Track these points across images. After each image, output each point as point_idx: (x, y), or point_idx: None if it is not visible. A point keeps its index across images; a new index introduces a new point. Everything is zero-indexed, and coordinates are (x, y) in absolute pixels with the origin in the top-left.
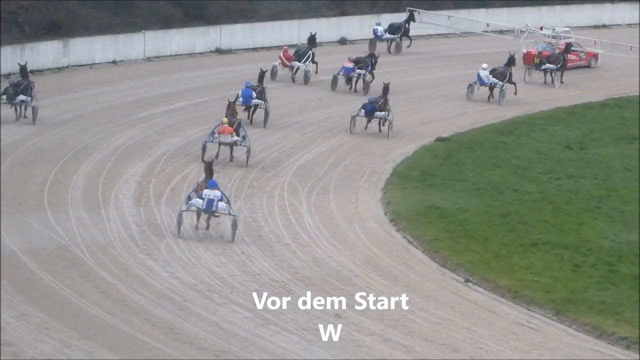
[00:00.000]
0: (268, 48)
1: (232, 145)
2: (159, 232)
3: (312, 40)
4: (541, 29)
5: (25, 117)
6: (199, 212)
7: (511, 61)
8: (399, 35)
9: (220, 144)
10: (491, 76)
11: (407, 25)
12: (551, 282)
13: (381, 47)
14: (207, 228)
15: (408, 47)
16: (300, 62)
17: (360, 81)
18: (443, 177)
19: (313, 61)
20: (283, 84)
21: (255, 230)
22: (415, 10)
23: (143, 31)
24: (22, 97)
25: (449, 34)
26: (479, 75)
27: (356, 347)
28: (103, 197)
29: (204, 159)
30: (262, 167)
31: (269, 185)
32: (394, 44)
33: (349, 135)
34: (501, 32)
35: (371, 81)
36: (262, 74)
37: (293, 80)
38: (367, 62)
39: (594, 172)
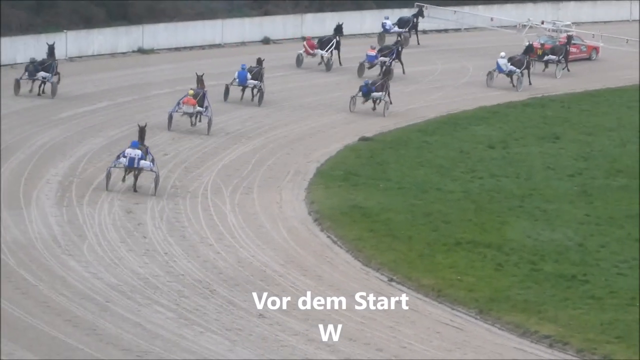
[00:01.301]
0: (191, 48)
1: (194, 114)
2: (81, 232)
3: (338, 30)
4: (542, 23)
5: (44, 92)
6: (125, 168)
7: (529, 50)
8: (407, 28)
9: (183, 112)
10: (509, 64)
11: (415, 19)
12: (474, 281)
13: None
14: (134, 188)
15: (418, 44)
16: (323, 50)
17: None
18: (367, 177)
19: (338, 49)
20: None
21: (179, 231)
22: (424, 6)
23: (65, 31)
24: (42, 73)
25: (455, 29)
26: (497, 64)
27: (280, 347)
28: (24, 197)
29: (169, 129)
30: (186, 167)
31: (193, 185)
32: (402, 37)
33: (274, 134)
34: (504, 27)
35: (400, 67)
36: (259, 61)
37: (319, 65)
38: (392, 50)
39: (516, 171)
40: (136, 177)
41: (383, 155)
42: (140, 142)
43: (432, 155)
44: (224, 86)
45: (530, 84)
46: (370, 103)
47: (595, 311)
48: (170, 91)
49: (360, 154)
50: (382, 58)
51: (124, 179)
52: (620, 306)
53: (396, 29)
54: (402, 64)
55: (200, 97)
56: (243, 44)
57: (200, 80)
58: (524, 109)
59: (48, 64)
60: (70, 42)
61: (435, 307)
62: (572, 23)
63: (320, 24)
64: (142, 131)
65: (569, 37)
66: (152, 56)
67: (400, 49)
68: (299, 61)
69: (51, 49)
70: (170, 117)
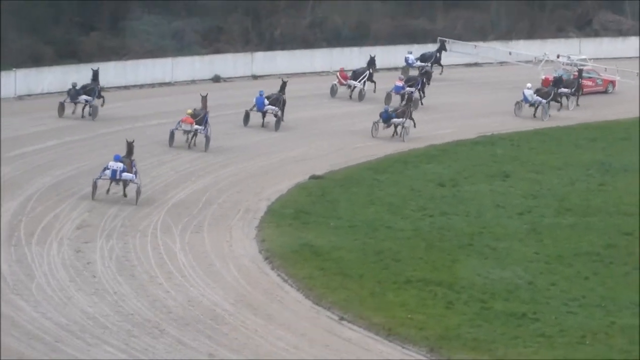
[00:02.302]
0: (141, 86)
1: (192, 132)
2: (30, 271)
3: (371, 62)
4: (558, 57)
5: (86, 115)
6: (110, 180)
7: (558, 82)
8: (429, 63)
9: (183, 131)
10: (535, 95)
11: (438, 54)
12: (425, 319)
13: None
14: (125, 195)
15: (440, 74)
16: (356, 80)
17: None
18: (317, 215)
19: (371, 81)
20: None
21: (128, 270)
22: (446, 40)
23: (14, 69)
24: (84, 97)
25: (474, 63)
26: (524, 95)
27: None
28: None
29: (170, 145)
30: (135, 208)
31: (142, 224)
32: (428, 69)
33: (225, 173)
34: (524, 62)
35: (422, 98)
36: (283, 84)
37: (350, 97)
38: (418, 81)
39: (466, 209)
40: (124, 187)
41: (334, 193)
42: (127, 156)
43: (383, 193)
44: (244, 112)
45: (558, 110)
46: (391, 129)
47: (545, 349)
48: (119, 129)
49: (311, 192)
50: (408, 88)
51: (107, 191)
52: (570, 344)
53: (418, 63)
54: (422, 95)
55: (200, 117)
56: (193, 82)
57: (204, 100)
58: (474, 147)
59: (90, 88)
60: (19, 80)
61: (385, 345)
62: (589, 58)
63: (270, 62)
64: (129, 146)
65: (580, 71)
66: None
67: (424, 80)
68: (333, 91)
69: (95, 74)
70: (172, 134)
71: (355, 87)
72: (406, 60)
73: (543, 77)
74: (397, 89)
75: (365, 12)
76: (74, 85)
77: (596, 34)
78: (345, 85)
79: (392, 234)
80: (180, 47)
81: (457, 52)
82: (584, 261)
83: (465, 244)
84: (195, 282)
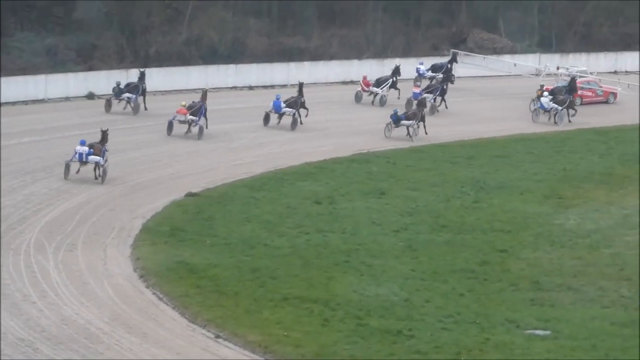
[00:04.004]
0: (13, 103)
1: (187, 122)
2: None
3: (396, 71)
4: (557, 68)
5: (128, 108)
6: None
7: (572, 89)
8: (440, 73)
9: (178, 121)
10: (551, 102)
11: (449, 65)
12: (301, 336)
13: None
14: (95, 177)
15: (452, 83)
16: (378, 87)
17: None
18: (193, 233)
19: (395, 88)
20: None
21: (1, 288)
22: (458, 52)
23: None
24: (127, 94)
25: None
26: (541, 102)
27: None
28: None
29: (168, 134)
30: (8, 225)
31: (15, 242)
32: (434, 80)
33: (98, 190)
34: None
35: (445, 104)
36: (301, 85)
37: (372, 103)
38: (437, 88)
39: (342, 226)
40: (94, 169)
41: (210, 210)
42: (100, 143)
43: (259, 210)
44: (264, 113)
45: (569, 121)
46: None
47: None
48: None
49: (187, 209)
50: (426, 94)
51: (77, 171)
52: None
53: (430, 73)
54: (444, 100)
55: (196, 109)
56: (67, 99)
57: (204, 94)
58: (350, 164)
59: (133, 87)
60: None
61: None
62: (591, 72)
63: (146, 78)
64: (104, 134)
65: (572, 80)
66: None
67: (445, 87)
68: (357, 97)
69: (142, 74)
70: (170, 124)
71: (377, 93)
72: (417, 70)
73: (545, 87)
74: (415, 96)
75: (241, 29)
76: (118, 84)
77: (471, 52)
78: (367, 92)
79: (268, 251)
80: (54, 64)
81: (466, 64)
82: (459, 278)
83: (341, 261)
84: (69, 301)
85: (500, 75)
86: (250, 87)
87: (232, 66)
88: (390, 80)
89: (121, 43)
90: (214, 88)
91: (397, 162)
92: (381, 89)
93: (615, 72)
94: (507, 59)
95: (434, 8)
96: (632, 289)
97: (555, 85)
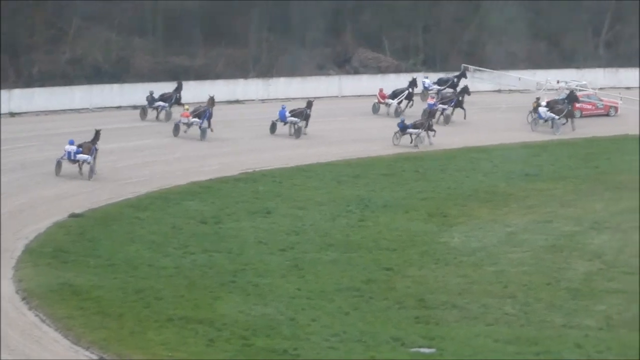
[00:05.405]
0: None
1: (190, 124)
2: None
3: (412, 83)
4: (557, 82)
5: (159, 119)
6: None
7: (572, 99)
8: (446, 86)
9: (183, 124)
10: (548, 112)
11: (456, 79)
12: (186, 357)
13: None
14: (80, 172)
15: (469, 94)
16: (393, 99)
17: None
18: (77, 254)
19: (409, 99)
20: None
21: None
22: (468, 68)
23: None
24: (160, 103)
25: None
26: (539, 112)
27: None
28: None
29: (175, 135)
30: None
31: None
32: (439, 94)
33: None
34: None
35: (465, 115)
36: (309, 103)
37: (387, 114)
38: (453, 99)
39: (228, 246)
40: (79, 167)
41: (94, 231)
42: (92, 141)
43: (144, 231)
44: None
45: (573, 130)
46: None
47: None
48: None
49: (70, 230)
50: (440, 105)
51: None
52: None
53: (436, 87)
54: (464, 110)
55: (200, 112)
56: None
57: (211, 100)
58: (236, 183)
59: (167, 96)
60: None
61: None
62: (593, 88)
63: (28, 99)
64: (96, 133)
65: (570, 93)
66: None
67: (461, 99)
68: (375, 109)
69: (179, 84)
70: (176, 126)
71: (391, 104)
72: (423, 84)
73: (546, 100)
74: (430, 106)
75: (125, 49)
76: (151, 93)
77: (355, 71)
78: (383, 103)
79: (153, 272)
80: None
81: (475, 78)
82: (345, 296)
83: (227, 281)
84: None
85: (507, 90)
86: (136, 107)
87: (116, 85)
88: (407, 91)
89: (3, 62)
90: (98, 108)
91: (283, 181)
92: (397, 100)
93: (499, 91)
94: (392, 78)
95: (319, 27)
96: (515, 306)
97: (552, 98)
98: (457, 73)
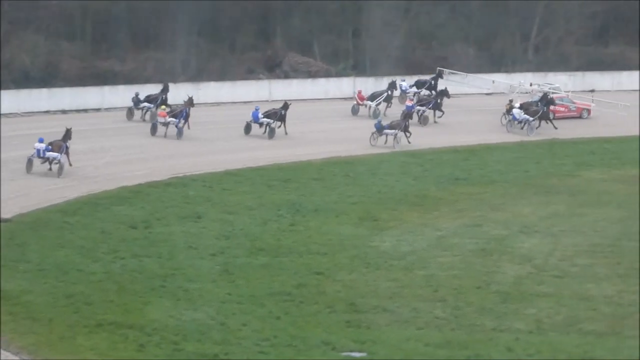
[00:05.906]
0: None
1: (166, 124)
2: None
3: (392, 85)
4: (530, 85)
5: (145, 119)
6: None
7: (546, 100)
8: (424, 89)
9: (160, 123)
10: (523, 113)
11: (433, 81)
12: None
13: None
14: (49, 168)
15: (448, 97)
16: (372, 101)
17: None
18: (6, 259)
19: (387, 101)
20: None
21: None
22: (444, 71)
23: None
24: (146, 104)
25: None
26: (513, 114)
27: None
28: None
29: (152, 134)
30: None
31: None
32: (416, 96)
33: None
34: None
35: (441, 116)
36: (285, 105)
37: (369, 115)
38: (431, 101)
39: (158, 251)
40: (50, 163)
41: (23, 236)
42: (62, 140)
43: (74, 236)
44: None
45: (556, 128)
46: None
47: None
48: None
49: None
50: (418, 107)
51: (29, 162)
52: None
53: (414, 89)
54: (442, 112)
55: (177, 112)
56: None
57: (189, 100)
58: (166, 188)
59: (154, 97)
60: None
61: None
62: (566, 91)
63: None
64: (67, 132)
65: (544, 96)
66: None
67: (439, 101)
68: (354, 110)
69: (165, 86)
70: (153, 126)
71: (370, 106)
72: (400, 87)
73: (519, 103)
74: (408, 108)
75: (54, 53)
76: (137, 94)
77: (286, 75)
78: (362, 104)
79: (83, 277)
80: None
81: (450, 81)
82: (275, 301)
83: (157, 286)
84: None
85: (479, 93)
86: (64, 111)
87: (44, 90)
88: (385, 94)
89: None
90: (26, 112)
91: (213, 186)
92: (375, 102)
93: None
94: (322, 82)
95: (249, 32)
96: (446, 310)
97: (526, 101)
98: (433, 75)
